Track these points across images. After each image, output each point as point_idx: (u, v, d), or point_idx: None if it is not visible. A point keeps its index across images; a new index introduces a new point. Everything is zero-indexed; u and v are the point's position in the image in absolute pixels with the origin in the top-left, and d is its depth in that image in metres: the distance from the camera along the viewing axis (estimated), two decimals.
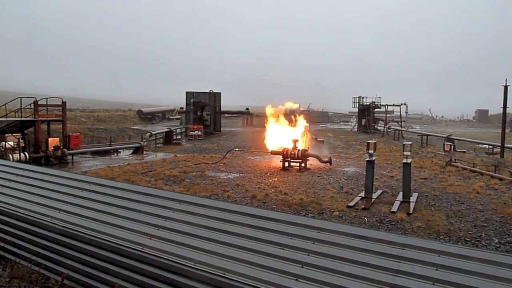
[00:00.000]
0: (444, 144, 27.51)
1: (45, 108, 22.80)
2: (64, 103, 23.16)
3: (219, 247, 5.04)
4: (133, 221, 5.90)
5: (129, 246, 5.38)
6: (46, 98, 22.72)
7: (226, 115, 55.35)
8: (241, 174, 17.45)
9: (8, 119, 21.81)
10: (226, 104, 47.08)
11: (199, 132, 36.44)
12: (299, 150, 19.17)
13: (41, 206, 6.88)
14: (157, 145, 30.73)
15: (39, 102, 21.97)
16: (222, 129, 44.36)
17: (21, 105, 21.80)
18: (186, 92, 42.28)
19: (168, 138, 32.29)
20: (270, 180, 16.18)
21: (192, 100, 40.22)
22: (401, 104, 46.87)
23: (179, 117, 56.09)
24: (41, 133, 21.97)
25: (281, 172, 18.34)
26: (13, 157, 18.61)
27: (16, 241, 6.70)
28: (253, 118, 53.53)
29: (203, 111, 40.99)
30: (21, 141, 19.86)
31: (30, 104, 21.93)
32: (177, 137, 34.65)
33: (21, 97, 21.99)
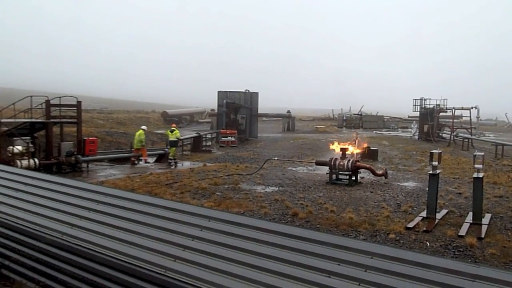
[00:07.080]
0: None
1: (58, 108, 23.10)
2: (79, 102, 23.24)
3: (254, 272, 5.02)
4: (155, 240, 5.96)
5: (150, 269, 5.43)
6: (59, 97, 23.04)
7: (264, 118, 55.49)
8: (280, 188, 17.41)
9: (16, 120, 21.89)
10: (261, 105, 46.67)
11: (233, 138, 36.66)
12: (349, 160, 18.95)
13: (52, 220, 7.02)
14: (184, 153, 31.13)
15: (52, 102, 22.39)
16: (259, 135, 44.48)
17: (31, 105, 22.30)
18: (218, 92, 42.48)
19: (196, 145, 32.69)
20: (315, 196, 16.06)
21: (225, 101, 40.46)
22: (471, 108, 45.66)
23: (209, 120, 56.88)
24: (53, 136, 22.32)
25: (327, 186, 18.18)
26: (21, 163, 18.87)
27: (22, 259, 6.88)
28: (295, 122, 53.40)
29: (238, 113, 41.23)
30: (30, 145, 20.06)
31: (41, 104, 22.31)
32: (207, 144, 35.03)
33: (31, 96, 22.41)
